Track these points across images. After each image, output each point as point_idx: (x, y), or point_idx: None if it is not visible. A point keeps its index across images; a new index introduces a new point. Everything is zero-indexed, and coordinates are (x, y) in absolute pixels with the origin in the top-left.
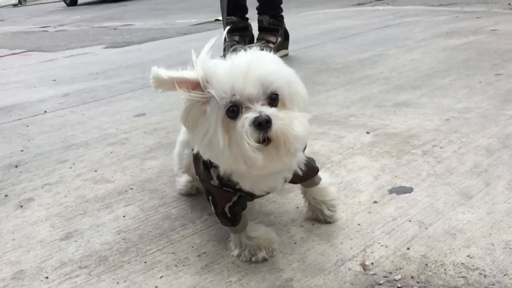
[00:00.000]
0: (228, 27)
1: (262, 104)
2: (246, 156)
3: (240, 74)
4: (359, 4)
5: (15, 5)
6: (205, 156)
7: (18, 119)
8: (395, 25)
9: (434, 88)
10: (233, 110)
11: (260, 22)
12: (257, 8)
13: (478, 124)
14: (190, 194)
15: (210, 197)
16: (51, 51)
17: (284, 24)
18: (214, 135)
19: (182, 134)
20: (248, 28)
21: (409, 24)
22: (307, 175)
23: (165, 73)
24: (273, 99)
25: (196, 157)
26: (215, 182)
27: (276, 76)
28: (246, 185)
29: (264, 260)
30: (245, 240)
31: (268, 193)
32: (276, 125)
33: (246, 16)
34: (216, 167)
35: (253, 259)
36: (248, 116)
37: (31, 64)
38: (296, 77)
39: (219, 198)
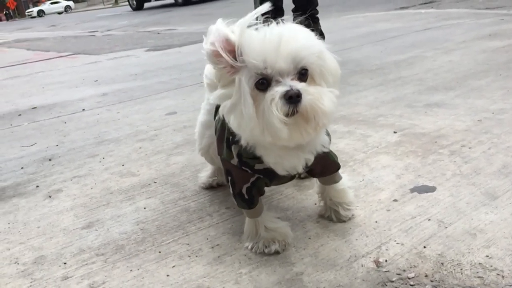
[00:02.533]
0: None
1: (292, 79)
2: (272, 128)
3: (272, 48)
4: (402, 8)
5: (60, 13)
6: (233, 125)
7: (58, 116)
8: (436, 28)
9: (469, 89)
10: (263, 83)
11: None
12: (292, 10)
13: (511, 125)
14: (212, 187)
15: (229, 177)
16: (95, 54)
17: (320, 26)
18: (243, 105)
19: (203, 115)
20: None
21: (451, 26)
22: (328, 169)
23: (221, 27)
24: (302, 74)
25: (220, 137)
26: (234, 161)
27: (307, 51)
28: (269, 159)
29: (277, 253)
30: (262, 230)
31: (288, 178)
32: (305, 100)
33: (283, 18)
34: (237, 144)
35: (266, 250)
36: (278, 90)
37: (76, 66)
38: (327, 52)
39: (237, 178)
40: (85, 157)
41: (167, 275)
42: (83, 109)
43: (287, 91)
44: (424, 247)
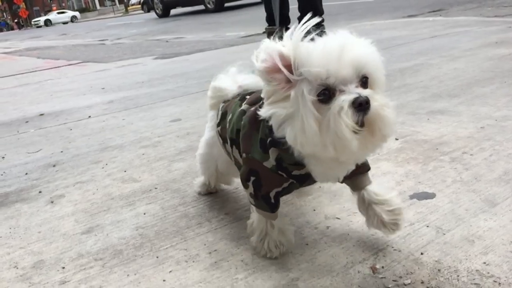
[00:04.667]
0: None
1: (356, 87)
2: (342, 140)
3: (334, 56)
4: (410, 16)
5: (65, 23)
6: (288, 138)
7: (64, 123)
8: (442, 35)
9: (474, 97)
10: (325, 93)
11: None
12: (298, 18)
13: None
14: (210, 192)
15: (252, 178)
16: (104, 62)
17: (326, 33)
18: (305, 119)
19: (208, 132)
20: None
21: (458, 34)
22: (359, 170)
23: (271, 44)
24: (364, 82)
25: (248, 135)
26: (270, 163)
27: (368, 58)
28: (317, 169)
29: (275, 258)
30: (273, 232)
31: (314, 181)
32: (373, 107)
33: (289, 26)
34: (277, 147)
35: (268, 254)
36: (346, 98)
37: (84, 74)
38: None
39: (266, 181)
40: (88, 163)
41: (164, 280)
42: (89, 116)
43: (356, 98)
44: (422, 253)
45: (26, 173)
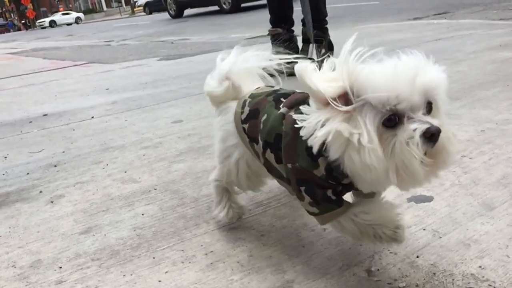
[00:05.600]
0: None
1: (423, 114)
2: (409, 170)
3: (407, 81)
4: (415, 18)
5: (69, 24)
6: (347, 164)
7: (67, 124)
8: (447, 38)
9: (475, 100)
10: (391, 119)
11: (304, 33)
12: (301, 20)
13: None
14: (240, 216)
15: (302, 188)
16: (109, 63)
17: (329, 36)
18: (367, 147)
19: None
20: (293, 39)
21: (462, 37)
22: None
23: (307, 80)
24: (429, 108)
25: (292, 144)
26: (319, 172)
27: (438, 84)
28: (364, 188)
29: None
30: (362, 217)
31: None
32: (442, 137)
33: (292, 28)
34: (326, 156)
35: (398, 237)
36: (418, 127)
37: (89, 75)
38: None
39: (318, 186)
40: (89, 164)
41: (159, 281)
42: (92, 117)
43: (428, 128)
44: (417, 256)
45: (28, 173)
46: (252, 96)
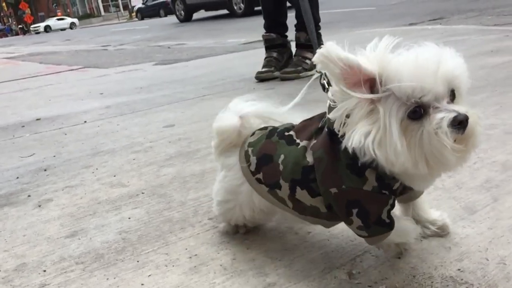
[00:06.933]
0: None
1: (448, 102)
2: (439, 158)
3: (430, 72)
4: (410, 24)
5: (63, 30)
6: (380, 159)
7: (59, 128)
8: (440, 44)
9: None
10: (416, 111)
11: (297, 38)
12: (295, 25)
13: (500, 140)
14: (246, 226)
15: (355, 210)
16: (105, 67)
17: (322, 41)
18: (388, 139)
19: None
20: (286, 45)
21: (456, 42)
22: None
23: (340, 53)
24: (453, 96)
25: (332, 166)
26: (369, 186)
27: (460, 71)
28: (415, 184)
29: None
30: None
31: None
32: (470, 124)
33: (286, 34)
34: (372, 167)
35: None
36: (444, 116)
37: (84, 79)
38: None
39: (372, 206)
40: (79, 168)
41: (142, 284)
42: (85, 121)
43: (455, 117)
44: (399, 258)
45: (17, 177)
46: (251, 145)
